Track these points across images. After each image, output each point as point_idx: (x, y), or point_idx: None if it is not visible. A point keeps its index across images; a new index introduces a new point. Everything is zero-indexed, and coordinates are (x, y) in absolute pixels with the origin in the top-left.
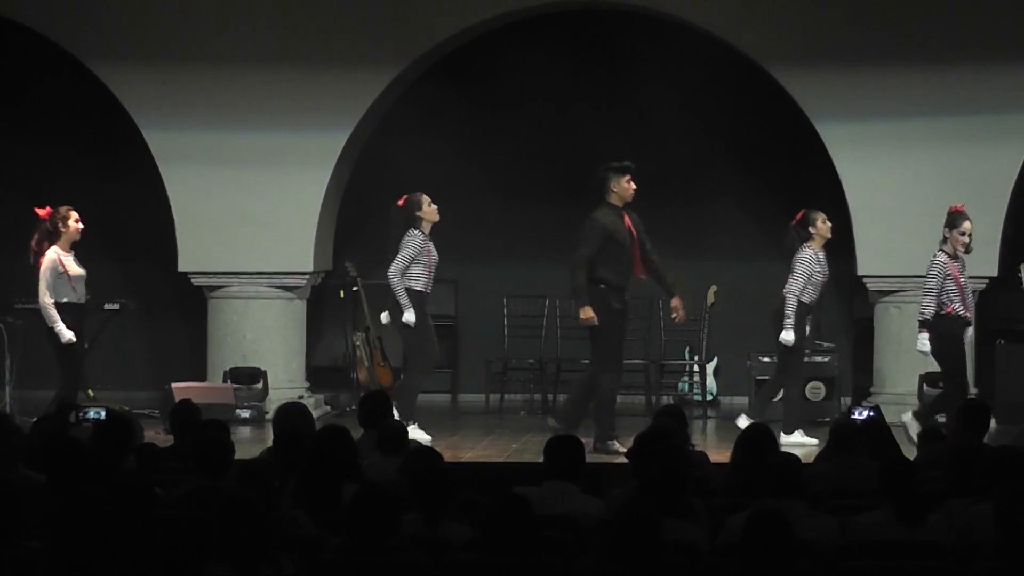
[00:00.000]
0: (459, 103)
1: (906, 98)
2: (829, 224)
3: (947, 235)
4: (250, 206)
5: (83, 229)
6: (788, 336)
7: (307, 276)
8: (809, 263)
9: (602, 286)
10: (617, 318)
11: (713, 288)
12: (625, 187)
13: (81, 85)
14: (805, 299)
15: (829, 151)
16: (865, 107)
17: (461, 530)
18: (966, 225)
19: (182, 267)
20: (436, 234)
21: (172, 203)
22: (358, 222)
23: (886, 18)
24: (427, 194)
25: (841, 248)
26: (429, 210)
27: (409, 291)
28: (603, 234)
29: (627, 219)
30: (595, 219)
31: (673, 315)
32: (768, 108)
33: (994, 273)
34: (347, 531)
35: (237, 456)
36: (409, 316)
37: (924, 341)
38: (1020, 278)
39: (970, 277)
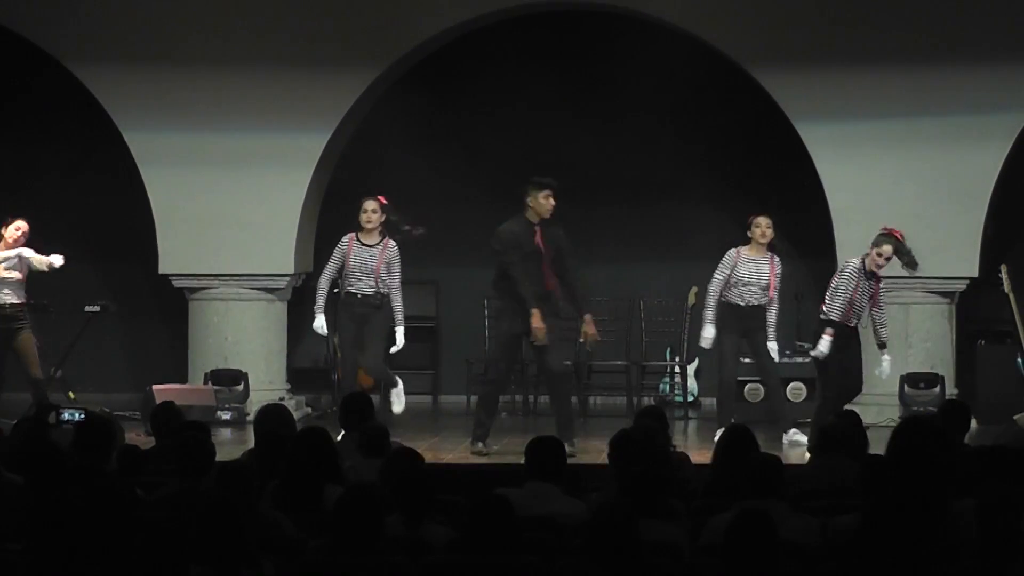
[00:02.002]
0: (439, 105)
1: (887, 99)
2: (760, 229)
3: (868, 250)
4: (231, 208)
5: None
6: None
7: (288, 278)
8: (728, 261)
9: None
10: (502, 328)
11: (694, 289)
12: (542, 203)
13: (61, 87)
14: (734, 299)
15: (810, 152)
16: (846, 108)
17: (442, 531)
18: (884, 248)
19: (163, 269)
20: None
21: (153, 205)
22: (338, 224)
23: (867, 19)
24: (407, 195)
25: (821, 249)
26: (362, 216)
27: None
28: (515, 247)
29: (538, 234)
30: (501, 231)
31: (582, 339)
32: (749, 109)
33: (975, 274)
34: (332, 533)
35: (218, 458)
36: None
37: (826, 343)
38: (1001, 279)
39: (951, 278)
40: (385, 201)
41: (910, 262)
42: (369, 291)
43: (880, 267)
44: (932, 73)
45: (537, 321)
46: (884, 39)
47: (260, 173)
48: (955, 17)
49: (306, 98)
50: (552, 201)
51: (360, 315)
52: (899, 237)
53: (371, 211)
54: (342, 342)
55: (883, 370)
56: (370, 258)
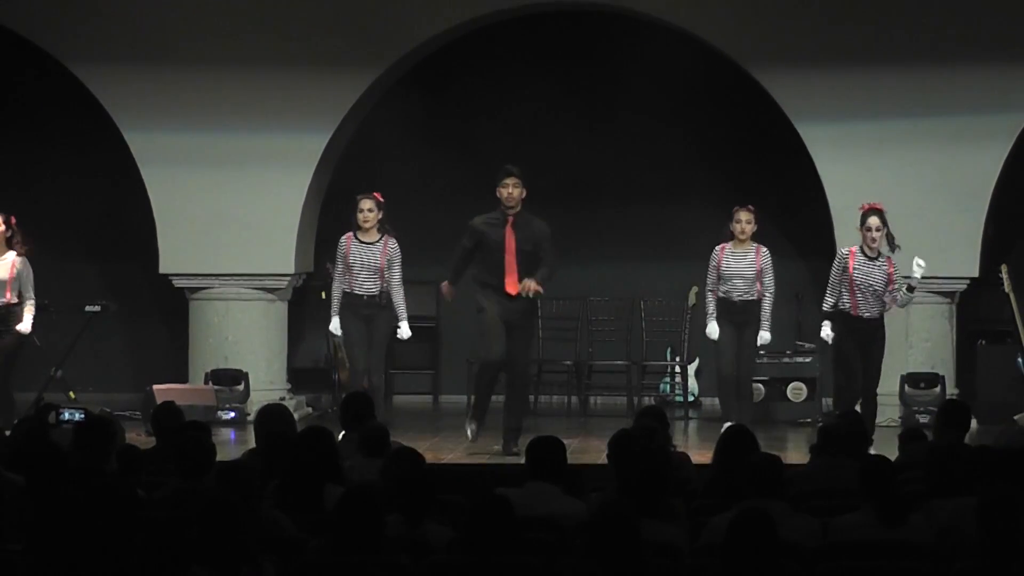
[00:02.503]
0: (439, 105)
1: (887, 99)
2: (740, 225)
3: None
4: (231, 208)
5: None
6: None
7: (288, 277)
8: (714, 258)
9: (479, 284)
10: (483, 316)
11: (694, 289)
12: (499, 192)
13: (62, 86)
14: (722, 294)
15: (810, 152)
16: (846, 108)
17: (442, 531)
18: (871, 221)
19: (163, 268)
20: (415, 234)
21: (153, 204)
22: (339, 224)
23: (867, 19)
24: (408, 195)
25: (822, 249)
26: (359, 215)
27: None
28: (471, 234)
29: (509, 224)
30: (471, 221)
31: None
32: (749, 109)
33: (975, 274)
34: (333, 532)
35: (219, 458)
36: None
37: (826, 330)
38: (1001, 279)
39: (951, 278)
40: (381, 198)
41: (889, 235)
42: (374, 291)
43: (875, 241)
44: (932, 73)
45: (445, 288)
46: (884, 39)
47: (261, 173)
48: (955, 17)
49: (307, 98)
50: (506, 190)
51: (366, 315)
52: (880, 208)
53: (367, 209)
54: (348, 342)
55: (916, 269)
56: (372, 256)
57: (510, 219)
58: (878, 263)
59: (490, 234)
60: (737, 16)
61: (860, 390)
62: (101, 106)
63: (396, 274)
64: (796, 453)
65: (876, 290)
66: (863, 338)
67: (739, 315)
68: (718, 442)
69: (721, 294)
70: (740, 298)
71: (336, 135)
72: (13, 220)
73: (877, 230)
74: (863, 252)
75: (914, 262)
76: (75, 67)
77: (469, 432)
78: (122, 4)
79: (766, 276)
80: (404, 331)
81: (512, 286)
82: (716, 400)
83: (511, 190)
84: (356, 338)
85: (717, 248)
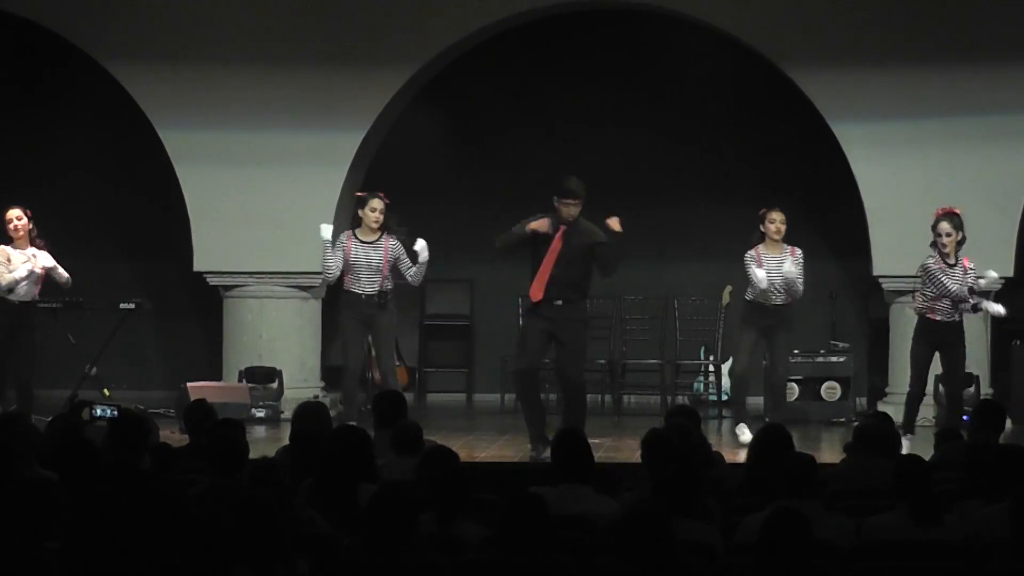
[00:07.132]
0: (472, 105)
1: (922, 99)
2: (774, 225)
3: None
4: (265, 206)
5: (22, 230)
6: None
7: (322, 276)
8: (747, 263)
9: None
10: (526, 319)
11: (728, 288)
12: (559, 208)
13: (97, 85)
14: (759, 299)
15: (845, 151)
16: (881, 107)
17: (475, 529)
18: (941, 226)
19: (198, 267)
20: (450, 234)
21: (188, 203)
22: None
23: (902, 19)
24: (442, 194)
25: (857, 249)
26: (370, 215)
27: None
28: (520, 232)
29: (559, 235)
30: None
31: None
32: (784, 108)
33: (1010, 273)
34: (365, 530)
35: (252, 455)
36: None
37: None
38: None
39: None
40: (386, 199)
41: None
42: (372, 291)
43: (946, 246)
44: (967, 73)
45: (540, 223)
46: (920, 38)
47: (295, 171)
48: (991, 17)
49: (341, 97)
50: (567, 209)
51: (367, 315)
52: (954, 212)
53: (379, 211)
54: (344, 341)
55: (981, 281)
56: (374, 256)
57: (562, 228)
58: (957, 268)
59: (537, 242)
60: (772, 16)
61: (922, 393)
62: (136, 104)
63: (408, 263)
64: (830, 452)
65: (955, 294)
66: (938, 341)
67: (769, 319)
68: (752, 441)
69: (758, 298)
70: (775, 302)
71: (370, 134)
72: (29, 213)
73: (947, 235)
74: (943, 259)
75: (988, 272)
76: (111, 65)
77: (532, 454)
78: (158, 3)
79: (799, 278)
80: (420, 244)
81: (537, 292)
82: (749, 399)
83: (571, 210)
84: (353, 338)
85: (750, 252)
